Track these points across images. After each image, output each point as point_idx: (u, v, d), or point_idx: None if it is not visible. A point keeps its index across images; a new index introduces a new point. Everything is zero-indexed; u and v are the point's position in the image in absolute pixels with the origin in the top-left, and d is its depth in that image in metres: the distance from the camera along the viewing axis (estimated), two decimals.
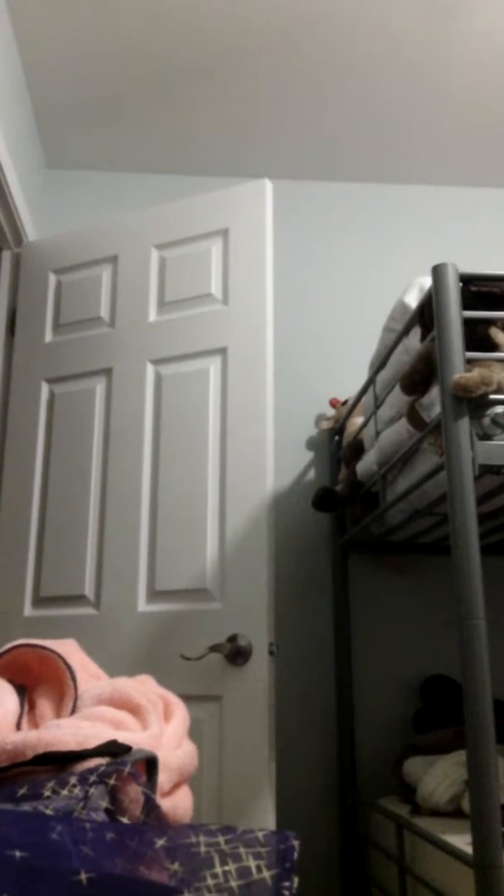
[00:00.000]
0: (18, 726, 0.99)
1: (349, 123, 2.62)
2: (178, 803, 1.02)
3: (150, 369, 2.09)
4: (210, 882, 0.63)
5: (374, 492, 2.07)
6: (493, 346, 1.53)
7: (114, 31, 2.24)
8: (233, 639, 1.78)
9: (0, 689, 1.01)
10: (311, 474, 2.57)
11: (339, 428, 2.44)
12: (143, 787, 0.81)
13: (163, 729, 1.05)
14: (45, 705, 1.05)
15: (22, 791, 0.76)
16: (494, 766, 1.29)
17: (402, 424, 1.72)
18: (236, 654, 1.76)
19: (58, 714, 1.04)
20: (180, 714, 1.14)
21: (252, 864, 0.65)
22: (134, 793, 0.80)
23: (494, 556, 2.49)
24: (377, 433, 1.92)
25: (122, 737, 0.93)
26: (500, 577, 2.50)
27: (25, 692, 1.07)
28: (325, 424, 2.54)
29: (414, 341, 1.70)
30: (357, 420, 2.28)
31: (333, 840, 2.27)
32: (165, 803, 0.98)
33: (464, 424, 1.43)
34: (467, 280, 1.55)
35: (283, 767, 2.30)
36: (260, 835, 0.69)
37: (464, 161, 2.80)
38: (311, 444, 2.60)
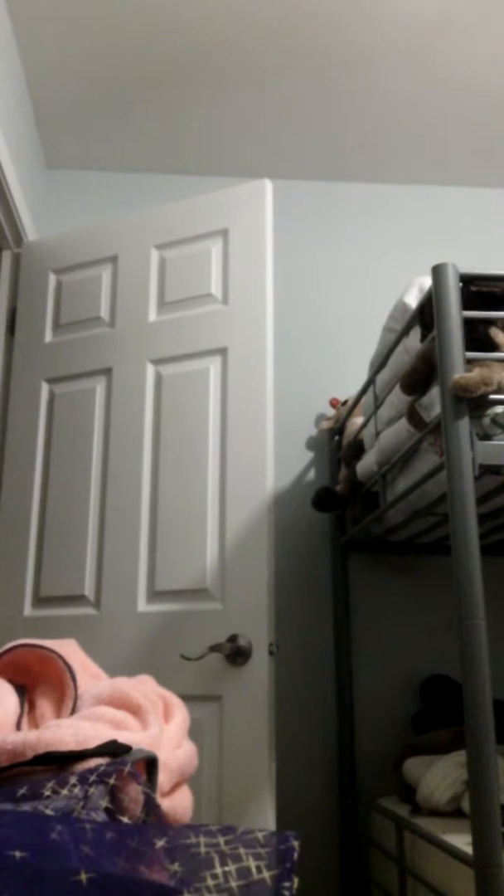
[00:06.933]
0: (18, 726, 0.99)
1: (349, 123, 2.62)
2: (178, 803, 1.02)
3: (150, 369, 2.09)
4: (210, 882, 0.63)
5: (374, 492, 2.07)
6: (493, 346, 1.53)
7: (113, 31, 2.23)
8: (233, 639, 1.78)
9: (0, 689, 1.01)
10: (311, 474, 2.57)
11: (339, 428, 2.44)
12: (143, 787, 0.81)
13: (163, 729, 1.05)
14: (45, 705, 1.05)
15: (22, 791, 0.76)
16: (494, 766, 1.29)
17: (402, 424, 1.72)
18: (236, 654, 1.76)
19: (58, 714, 1.04)
20: (180, 714, 1.14)
21: (252, 864, 0.65)
22: (134, 792, 0.80)
23: (494, 556, 2.49)
24: (377, 433, 1.92)
25: (122, 737, 0.93)
26: (500, 577, 2.50)
27: (25, 692, 1.07)
28: (325, 424, 2.54)
29: (414, 341, 1.70)
30: (357, 420, 2.28)
31: (333, 840, 2.27)
32: (165, 803, 0.98)
33: (464, 424, 1.43)
34: (467, 280, 1.55)
35: (283, 767, 2.30)
36: (260, 835, 0.69)
37: (464, 161, 2.80)
38: (311, 444, 2.60)
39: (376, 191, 2.91)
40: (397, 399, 1.76)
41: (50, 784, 0.77)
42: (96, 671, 1.19)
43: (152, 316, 2.14)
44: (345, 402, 2.49)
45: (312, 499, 2.29)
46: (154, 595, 1.90)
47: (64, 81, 2.43)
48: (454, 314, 1.49)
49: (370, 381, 2.00)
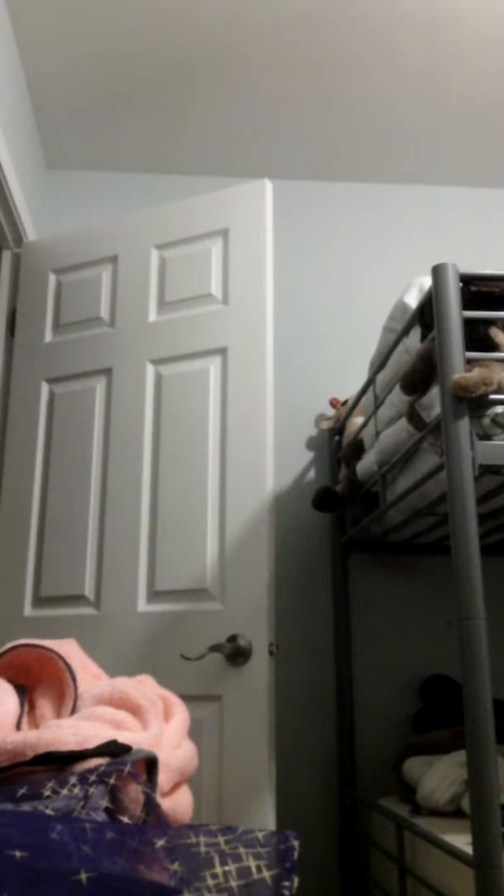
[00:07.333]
0: (18, 726, 0.99)
1: (349, 123, 2.62)
2: (178, 803, 1.02)
3: (150, 369, 2.09)
4: (210, 882, 0.63)
5: (374, 492, 2.07)
6: (493, 346, 1.53)
7: (114, 31, 2.23)
8: (233, 639, 1.78)
9: (0, 689, 1.01)
10: (311, 474, 2.57)
11: (339, 428, 2.44)
12: (143, 786, 0.81)
13: (163, 729, 1.05)
14: (45, 705, 1.05)
15: (22, 791, 0.76)
16: (494, 766, 1.29)
17: (402, 424, 1.72)
18: (236, 654, 1.76)
19: (58, 714, 1.04)
20: (180, 714, 1.14)
21: (252, 864, 0.65)
22: (134, 792, 0.80)
23: (494, 556, 2.49)
24: (377, 433, 1.92)
25: (123, 737, 0.93)
26: (500, 577, 2.50)
27: (25, 692, 1.07)
28: (325, 424, 2.54)
29: (414, 341, 1.70)
30: (357, 420, 2.28)
31: (333, 840, 2.27)
32: (165, 803, 0.98)
33: (464, 424, 1.43)
34: (467, 280, 1.55)
35: (283, 767, 2.30)
36: (260, 835, 0.69)
37: (464, 161, 2.80)
38: (311, 444, 2.60)
39: (376, 191, 2.91)
40: (397, 399, 1.76)
41: (50, 784, 0.77)
42: (96, 671, 1.19)
43: (152, 316, 2.14)
44: (345, 402, 2.49)
45: (312, 499, 2.29)
46: (154, 595, 1.90)
47: (64, 81, 2.43)
48: (454, 314, 1.49)
49: (370, 381, 2.00)
